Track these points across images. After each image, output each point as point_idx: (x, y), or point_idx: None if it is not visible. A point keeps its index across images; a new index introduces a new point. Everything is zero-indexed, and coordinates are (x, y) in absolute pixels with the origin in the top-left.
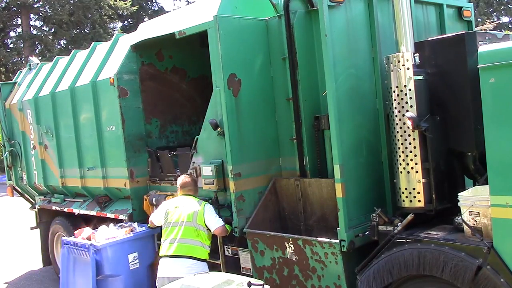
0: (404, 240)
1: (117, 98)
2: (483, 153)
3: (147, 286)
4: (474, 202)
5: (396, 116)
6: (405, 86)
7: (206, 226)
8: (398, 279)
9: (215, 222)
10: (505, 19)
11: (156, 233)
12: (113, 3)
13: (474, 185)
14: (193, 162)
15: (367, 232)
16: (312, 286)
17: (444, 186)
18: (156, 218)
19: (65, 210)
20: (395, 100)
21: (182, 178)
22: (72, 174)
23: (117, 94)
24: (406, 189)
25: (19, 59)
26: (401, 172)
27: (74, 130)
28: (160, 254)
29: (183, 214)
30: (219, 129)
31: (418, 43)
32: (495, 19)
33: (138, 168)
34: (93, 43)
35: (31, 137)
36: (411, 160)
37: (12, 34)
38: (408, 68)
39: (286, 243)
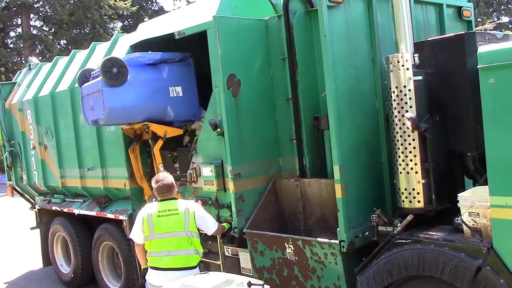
0: (403, 241)
1: None
2: (482, 154)
3: None
4: (474, 203)
5: (396, 116)
6: (404, 86)
7: (199, 231)
8: (397, 280)
9: (211, 226)
10: (505, 19)
11: None
12: (113, 3)
13: (474, 185)
14: (193, 163)
15: (367, 232)
16: (312, 287)
17: (444, 187)
18: (137, 234)
19: (65, 210)
20: (394, 100)
21: (156, 181)
22: (72, 175)
23: None
24: (405, 189)
25: (19, 59)
26: (400, 173)
27: (74, 130)
28: (150, 265)
29: (171, 223)
30: (218, 130)
31: (418, 43)
32: (495, 19)
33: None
34: (92, 43)
35: (30, 137)
36: (411, 160)
37: (12, 34)
38: (407, 69)
39: (285, 243)
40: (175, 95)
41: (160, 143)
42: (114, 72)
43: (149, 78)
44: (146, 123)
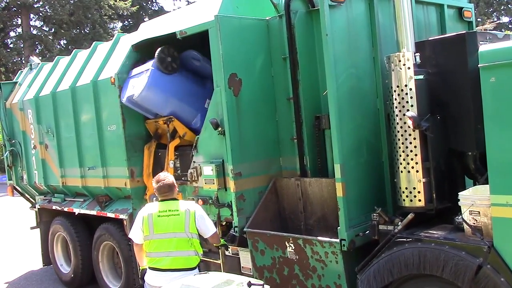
0: (404, 240)
1: (118, 98)
2: (483, 153)
3: None
4: (475, 202)
5: (397, 115)
6: (405, 85)
7: (198, 232)
8: (398, 279)
9: (210, 228)
10: (505, 19)
11: None
12: (113, 3)
13: (475, 184)
14: (194, 162)
15: (368, 231)
16: (313, 286)
17: (445, 186)
18: (136, 234)
19: (66, 209)
20: (395, 99)
21: (157, 181)
22: (72, 174)
23: (118, 93)
24: (406, 188)
25: (19, 59)
26: (401, 172)
27: (75, 130)
28: (149, 265)
29: (171, 224)
30: (219, 129)
31: (419, 43)
32: (495, 19)
33: (138, 167)
34: (94, 42)
35: (31, 137)
36: (412, 159)
37: (12, 34)
38: (408, 68)
39: (286, 242)
40: (208, 107)
41: (177, 141)
42: (168, 61)
43: (193, 81)
44: (171, 117)
